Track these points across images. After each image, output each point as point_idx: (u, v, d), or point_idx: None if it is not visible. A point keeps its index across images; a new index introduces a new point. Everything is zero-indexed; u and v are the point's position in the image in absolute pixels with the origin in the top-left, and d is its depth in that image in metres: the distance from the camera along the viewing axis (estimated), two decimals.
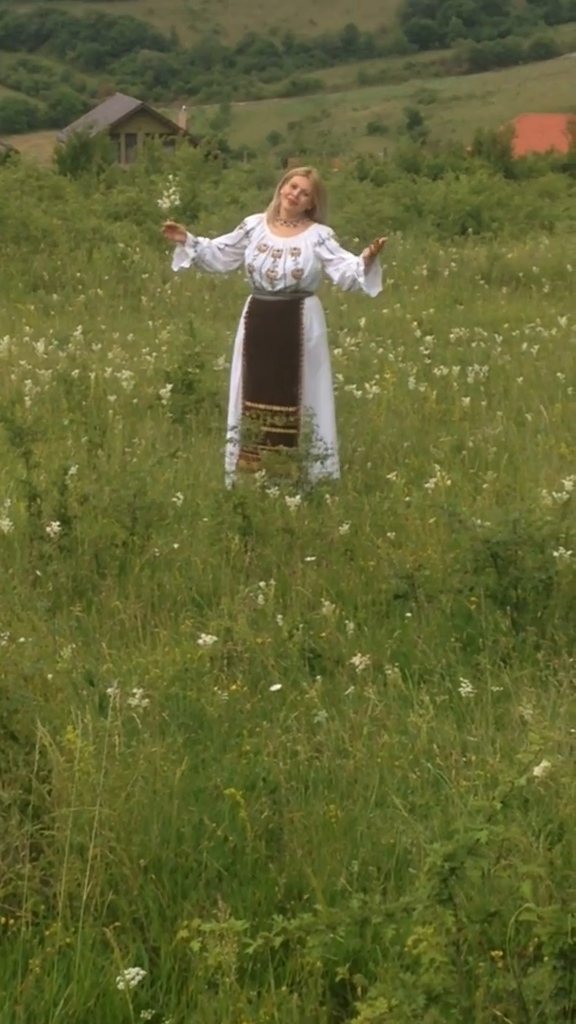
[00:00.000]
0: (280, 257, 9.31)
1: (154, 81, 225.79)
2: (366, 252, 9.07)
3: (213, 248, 9.54)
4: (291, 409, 9.31)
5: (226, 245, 9.55)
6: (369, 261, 9.06)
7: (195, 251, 9.48)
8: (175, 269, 9.85)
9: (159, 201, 9.63)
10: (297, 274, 9.28)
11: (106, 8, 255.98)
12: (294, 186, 9.40)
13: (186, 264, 9.59)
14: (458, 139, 67.36)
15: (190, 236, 9.52)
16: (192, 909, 4.35)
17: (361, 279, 9.14)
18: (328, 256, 9.28)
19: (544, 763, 3.84)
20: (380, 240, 9.13)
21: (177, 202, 9.46)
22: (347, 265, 9.18)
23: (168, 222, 9.50)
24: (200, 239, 9.58)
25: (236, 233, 9.58)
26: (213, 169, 45.10)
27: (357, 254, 9.15)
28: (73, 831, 4.38)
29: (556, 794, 4.81)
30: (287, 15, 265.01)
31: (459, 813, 4.66)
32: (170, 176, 9.86)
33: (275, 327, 9.42)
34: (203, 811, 4.85)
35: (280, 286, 9.34)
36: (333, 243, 9.34)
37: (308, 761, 5.32)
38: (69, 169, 42.11)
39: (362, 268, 9.10)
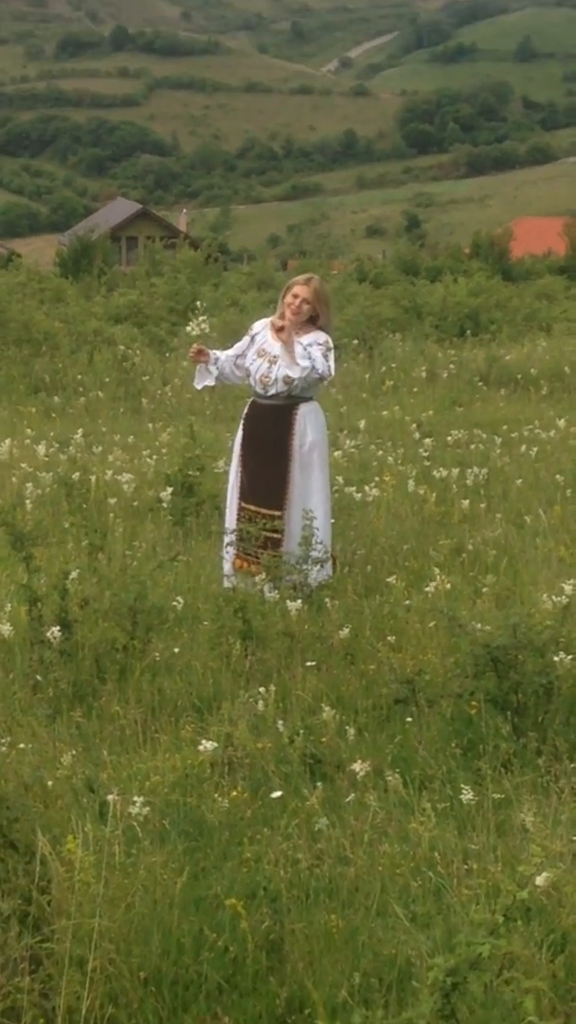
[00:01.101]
0: (275, 363, 9.39)
1: (155, 185, 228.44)
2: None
3: (230, 362, 9.63)
4: (277, 513, 9.35)
5: (238, 356, 9.63)
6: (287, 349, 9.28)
7: (216, 367, 9.58)
8: (199, 387, 9.92)
9: (188, 327, 9.76)
10: (288, 380, 9.35)
11: (107, 114, 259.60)
12: (295, 296, 9.49)
13: (210, 382, 9.71)
14: (456, 242, 67.90)
15: (212, 353, 9.63)
16: (192, 1023, 4.31)
17: (288, 368, 9.33)
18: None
19: (546, 873, 3.83)
20: (277, 326, 9.35)
21: (207, 330, 9.62)
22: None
23: (196, 346, 9.60)
24: (219, 354, 9.67)
25: (244, 341, 9.66)
26: (213, 272, 45.45)
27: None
28: (73, 943, 4.35)
29: (559, 903, 4.78)
30: (287, 120, 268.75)
31: (461, 923, 4.63)
32: (198, 303, 10.01)
33: (268, 431, 9.49)
34: (203, 921, 4.81)
35: (272, 391, 9.42)
36: (316, 350, 9.40)
37: (309, 869, 5.29)
38: (70, 272, 42.43)
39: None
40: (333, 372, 9.47)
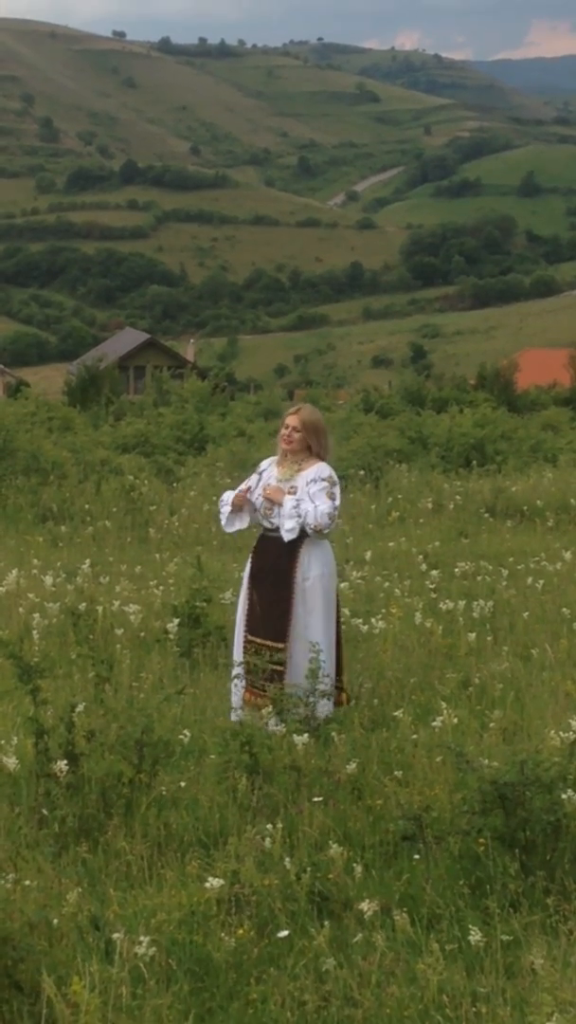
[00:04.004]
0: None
1: (163, 315, 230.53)
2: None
3: (254, 503, 9.67)
4: (279, 645, 9.34)
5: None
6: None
7: (247, 512, 9.65)
8: (231, 531, 9.89)
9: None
10: (291, 513, 9.40)
11: (117, 246, 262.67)
12: (286, 426, 9.63)
13: (243, 525, 9.72)
14: (462, 373, 68.53)
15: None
16: None
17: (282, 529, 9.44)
18: (304, 496, 9.44)
19: (555, 1020, 3.79)
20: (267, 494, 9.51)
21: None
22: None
23: (243, 491, 9.66)
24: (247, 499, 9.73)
25: (253, 479, 9.72)
26: (220, 402, 45.77)
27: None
28: None
29: None
30: (294, 252, 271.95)
31: None
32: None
33: (272, 563, 9.53)
34: None
35: (277, 524, 9.47)
36: (317, 487, 9.44)
37: (316, 1011, 5.24)
38: (79, 401, 42.83)
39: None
40: (335, 510, 9.47)
